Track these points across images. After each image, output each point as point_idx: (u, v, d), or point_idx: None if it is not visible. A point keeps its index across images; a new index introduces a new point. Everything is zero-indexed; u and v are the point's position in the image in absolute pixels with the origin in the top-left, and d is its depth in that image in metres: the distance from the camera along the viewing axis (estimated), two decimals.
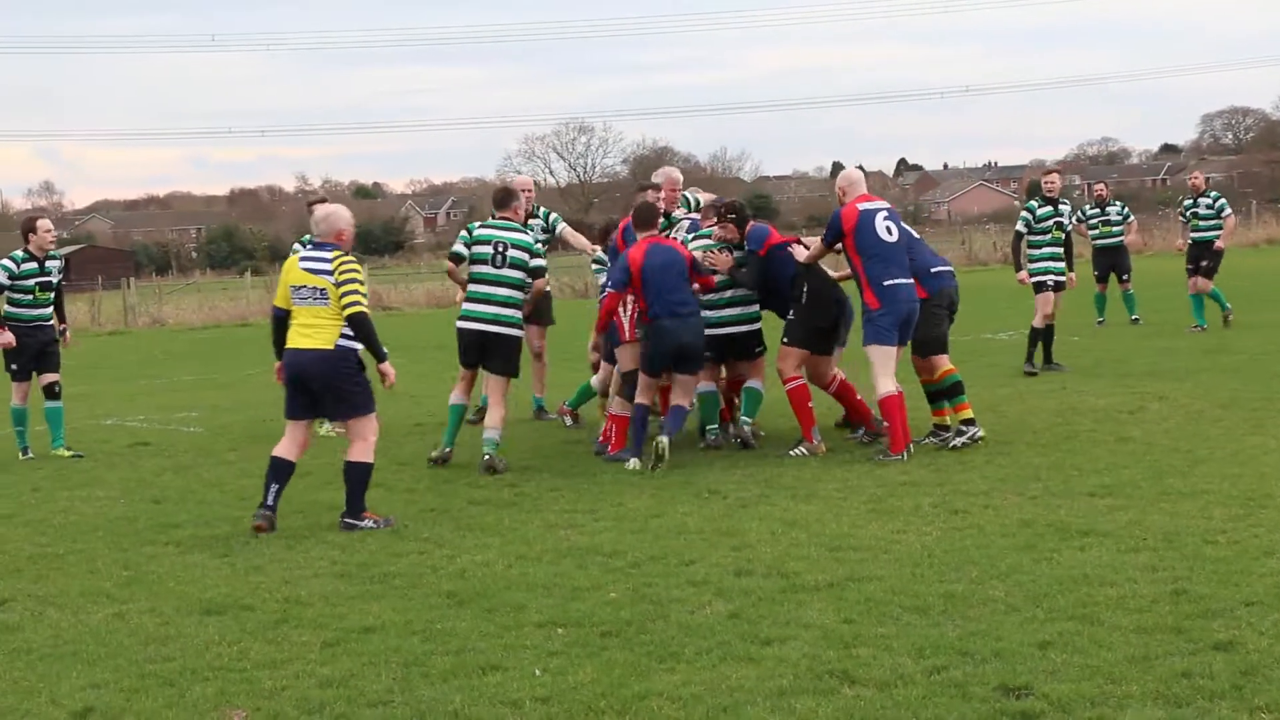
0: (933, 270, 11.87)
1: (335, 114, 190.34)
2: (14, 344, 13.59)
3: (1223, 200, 21.34)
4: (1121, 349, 18.85)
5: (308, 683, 6.37)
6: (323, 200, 13.89)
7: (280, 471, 9.81)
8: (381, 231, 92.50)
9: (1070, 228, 17.20)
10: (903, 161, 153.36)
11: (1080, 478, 10.08)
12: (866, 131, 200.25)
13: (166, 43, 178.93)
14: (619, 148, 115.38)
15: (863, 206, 11.44)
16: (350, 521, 9.64)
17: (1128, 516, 8.77)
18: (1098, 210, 22.84)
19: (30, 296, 13.69)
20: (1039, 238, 16.89)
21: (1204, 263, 20.87)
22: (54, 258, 13.92)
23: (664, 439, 11.32)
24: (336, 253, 9.79)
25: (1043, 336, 16.88)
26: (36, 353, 13.79)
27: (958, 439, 11.64)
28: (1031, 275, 16.87)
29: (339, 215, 10.01)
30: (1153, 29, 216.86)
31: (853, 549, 8.32)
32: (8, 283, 13.59)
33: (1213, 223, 21.07)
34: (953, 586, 7.36)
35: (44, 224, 13.92)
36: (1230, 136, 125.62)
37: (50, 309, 13.91)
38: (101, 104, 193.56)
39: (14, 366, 13.74)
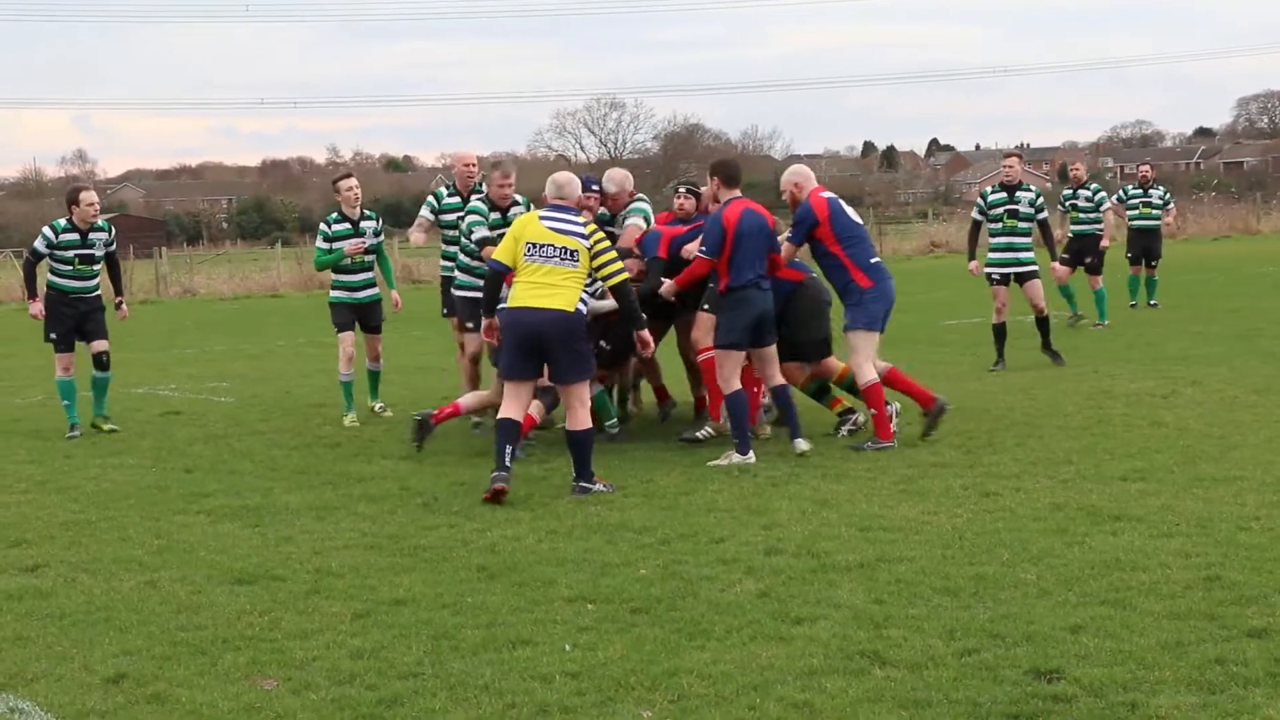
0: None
1: (367, 86, 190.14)
2: (42, 315, 13.32)
3: (1103, 194, 20.75)
4: (1154, 333, 18.75)
5: (339, 654, 6.39)
6: (349, 175, 13.92)
7: (510, 433, 9.65)
8: (412, 205, 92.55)
9: (1044, 216, 15.79)
10: (934, 141, 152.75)
11: (1112, 462, 10.03)
12: (898, 111, 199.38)
13: (201, 12, 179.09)
14: (650, 124, 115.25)
15: (826, 195, 11.22)
16: (584, 485, 9.61)
17: (1160, 501, 8.73)
18: (1140, 192, 22.72)
19: (70, 267, 13.26)
20: (993, 225, 15.81)
21: (1088, 259, 20.32)
22: (100, 229, 13.43)
23: (801, 441, 10.76)
24: (586, 218, 10.01)
25: (995, 333, 15.88)
26: (77, 323, 13.37)
27: (843, 429, 11.66)
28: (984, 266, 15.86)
29: (579, 183, 10.22)
30: (1188, 11, 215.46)
31: (883, 529, 8.31)
32: (45, 250, 13.25)
33: (1092, 215, 20.58)
34: (984, 569, 7.34)
35: (87, 196, 13.41)
36: (1266, 120, 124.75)
37: (93, 282, 13.46)
38: (135, 74, 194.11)
39: (53, 336, 13.32)
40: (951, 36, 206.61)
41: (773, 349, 10.98)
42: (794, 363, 11.44)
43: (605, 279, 9.82)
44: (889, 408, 11.13)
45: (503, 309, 9.79)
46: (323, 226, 13.76)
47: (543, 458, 11.14)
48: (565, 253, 9.61)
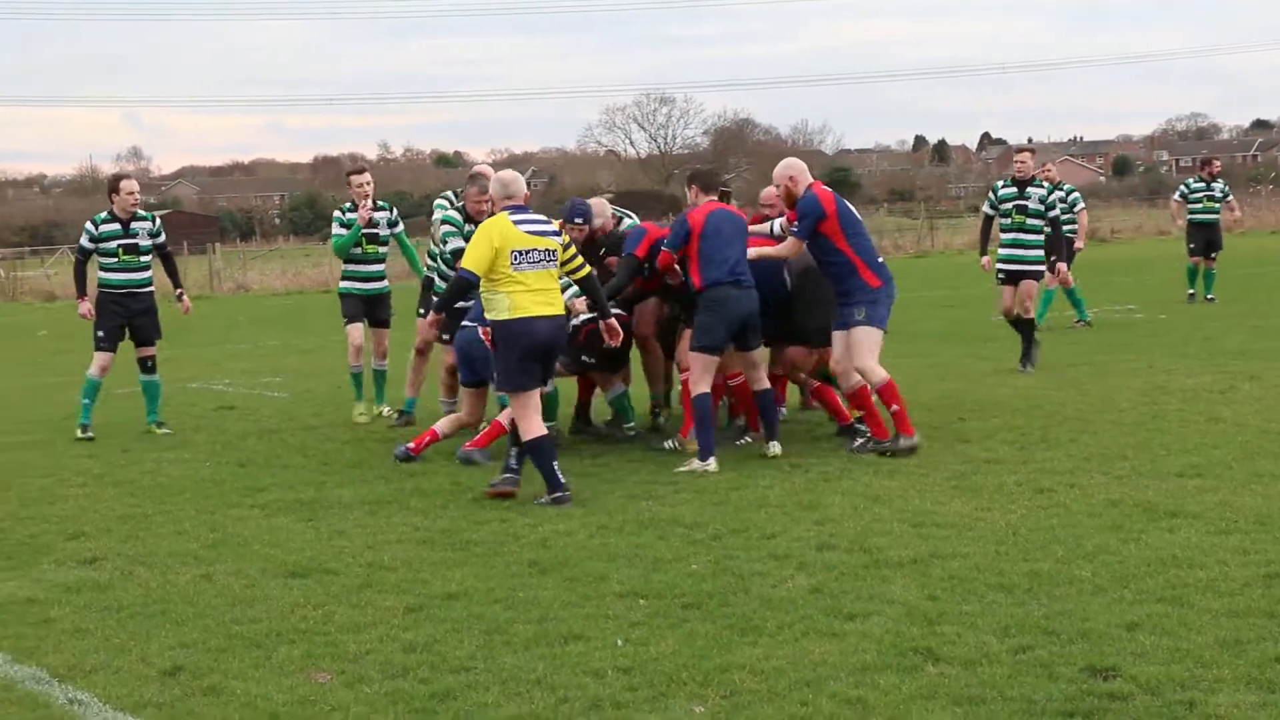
0: None
1: (417, 82, 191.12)
2: (91, 315, 13.13)
3: (1076, 195, 20.23)
4: (1211, 327, 18.58)
5: (391, 647, 6.42)
6: (362, 170, 13.94)
7: (549, 449, 9.47)
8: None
9: (1055, 214, 15.32)
10: (986, 135, 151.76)
11: (1168, 458, 9.94)
12: (949, 105, 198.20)
13: (253, 9, 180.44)
14: (700, 119, 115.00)
15: (827, 189, 10.79)
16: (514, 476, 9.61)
17: (1218, 498, 8.64)
18: (1203, 185, 22.62)
19: (115, 259, 13.03)
20: (1003, 220, 15.36)
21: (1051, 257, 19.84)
22: (143, 218, 13.22)
23: (775, 444, 10.54)
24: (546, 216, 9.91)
25: (1022, 330, 15.27)
26: (125, 322, 13.14)
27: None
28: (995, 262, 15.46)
29: (523, 180, 9.97)
30: (1242, 2, 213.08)
31: (936, 525, 8.26)
32: (90, 245, 13.05)
33: (1065, 217, 19.27)
34: (1038, 565, 7.29)
35: (127, 184, 13.22)
36: None
37: (141, 275, 13.17)
38: (189, 70, 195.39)
39: (100, 334, 13.07)
40: (1003, 30, 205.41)
41: (757, 352, 10.71)
42: (801, 347, 11.28)
43: (572, 273, 9.72)
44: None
45: (503, 321, 9.34)
46: (337, 214, 13.74)
47: (594, 454, 11.15)
48: (549, 255, 9.44)
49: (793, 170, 10.82)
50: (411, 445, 11.14)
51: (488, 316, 9.55)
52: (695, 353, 10.35)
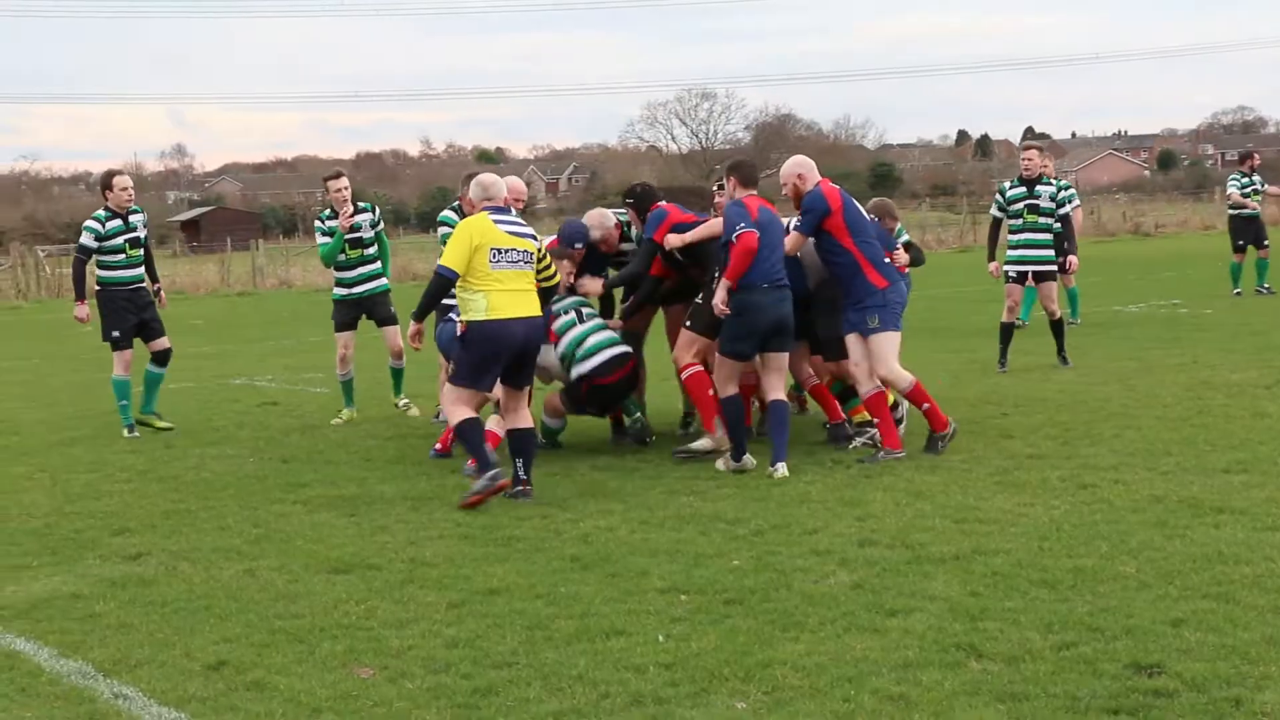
0: None
1: (458, 79, 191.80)
2: (88, 318, 13.14)
3: (1070, 191, 19.61)
4: (1259, 322, 18.42)
5: (434, 643, 6.43)
6: (339, 175, 13.47)
7: (529, 440, 9.59)
8: None
9: (1069, 211, 15.17)
10: (1030, 130, 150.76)
11: (1213, 453, 9.86)
12: (991, 99, 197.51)
13: (294, 8, 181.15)
14: (741, 114, 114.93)
15: (834, 187, 10.48)
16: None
17: (1264, 494, 8.56)
18: (1248, 179, 22.62)
19: (122, 256, 12.96)
20: (1012, 221, 14.99)
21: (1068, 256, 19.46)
22: (136, 211, 13.13)
23: (782, 466, 9.86)
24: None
25: (1001, 336, 15.02)
26: (138, 321, 13.14)
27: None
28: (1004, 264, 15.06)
29: (503, 182, 9.84)
30: None
31: (979, 521, 8.23)
32: (94, 245, 12.91)
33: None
34: (1082, 561, 7.24)
35: (121, 180, 13.14)
36: None
37: (142, 269, 13.19)
38: (231, 68, 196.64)
39: (116, 334, 13.02)
40: (1045, 23, 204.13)
41: (783, 358, 10.31)
42: (817, 356, 11.12)
43: (545, 279, 9.62)
44: (899, 409, 10.81)
45: (479, 322, 9.25)
46: (318, 223, 13.54)
47: (635, 449, 11.15)
48: (526, 256, 9.37)
49: (800, 168, 10.57)
50: (438, 446, 11.18)
51: (463, 317, 9.41)
52: (722, 356, 10.16)
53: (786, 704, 5.50)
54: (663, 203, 11.10)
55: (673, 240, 10.78)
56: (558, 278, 9.85)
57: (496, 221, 9.38)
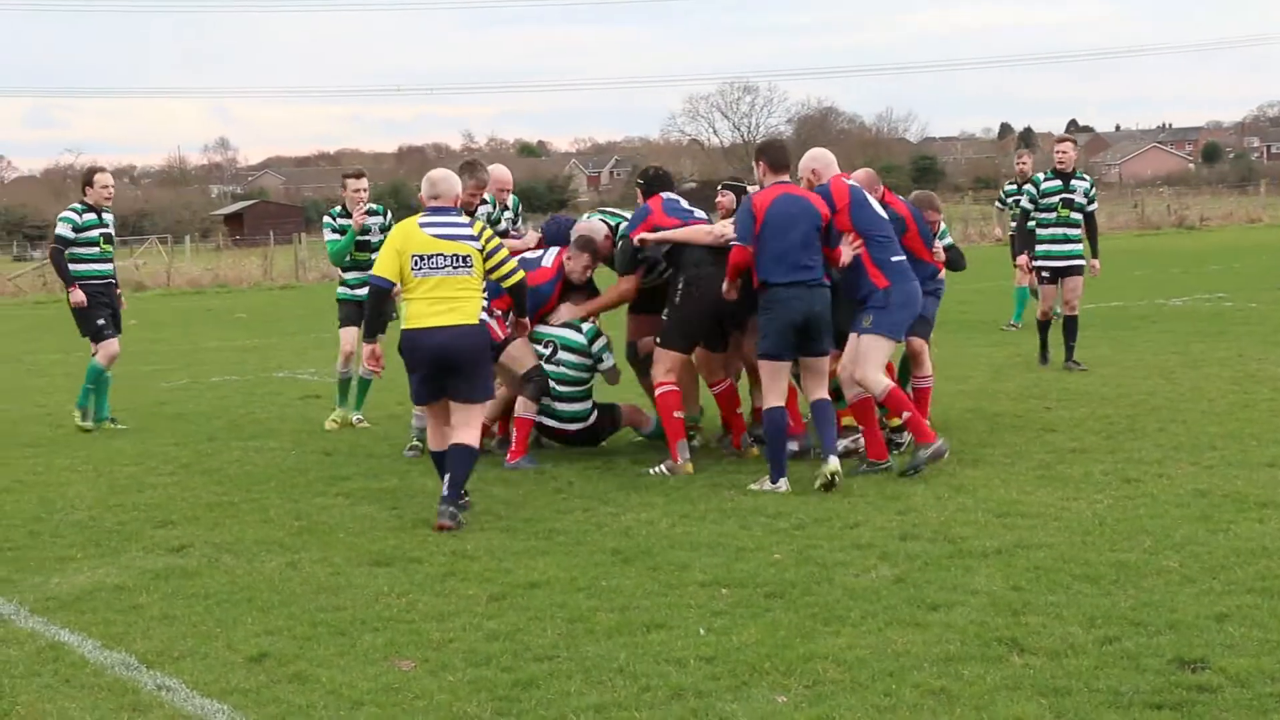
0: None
1: (500, 73, 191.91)
2: (85, 303, 13.08)
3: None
4: None
5: (475, 636, 6.45)
6: (359, 174, 13.25)
7: (463, 459, 8.74)
8: (545, 190, 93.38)
9: (1094, 208, 14.73)
10: (1073, 123, 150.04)
11: (1259, 448, 9.79)
12: (1034, 92, 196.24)
13: (336, 2, 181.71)
14: (783, 107, 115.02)
15: (850, 182, 9.99)
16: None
17: None
18: None
19: (97, 249, 13.09)
20: (1044, 215, 14.62)
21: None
22: (107, 211, 13.29)
23: (833, 460, 9.26)
24: (470, 218, 9.30)
25: (1040, 331, 14.94)
26: (113, 311, 13.26)
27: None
28: (1033, 260, 14.73)
29: (457, 179, 9.27)
30: None
31: (1021, 515, 8.19)
32: (72, 236, 12.95)
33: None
34: (1125, 556, 7.20)
35: (102, 177, 13.23)
36: None
37: (113, 264, 13.39)
38: (273, 62, 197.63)
39: (100, 322, 13.13)
40: (1089, 15, 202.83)
41: (822, 362, 9.69)
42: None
43: (502, 280, 9.05)
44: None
45: (403, 331, 8.85)
46: (327, 219, 13.27)
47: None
48: (457, 260, 8.71)
49: (816, 162, 10.21)
50: (508, 455, 10.68)
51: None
52: (760, 360, 9.68)
53: (827, 698, 5.49)
54: (665, 194, 10.71)
55: (645, 236, 10.48)
56: (518, 276, 9.10)
57: (424, 225, 8.81)
